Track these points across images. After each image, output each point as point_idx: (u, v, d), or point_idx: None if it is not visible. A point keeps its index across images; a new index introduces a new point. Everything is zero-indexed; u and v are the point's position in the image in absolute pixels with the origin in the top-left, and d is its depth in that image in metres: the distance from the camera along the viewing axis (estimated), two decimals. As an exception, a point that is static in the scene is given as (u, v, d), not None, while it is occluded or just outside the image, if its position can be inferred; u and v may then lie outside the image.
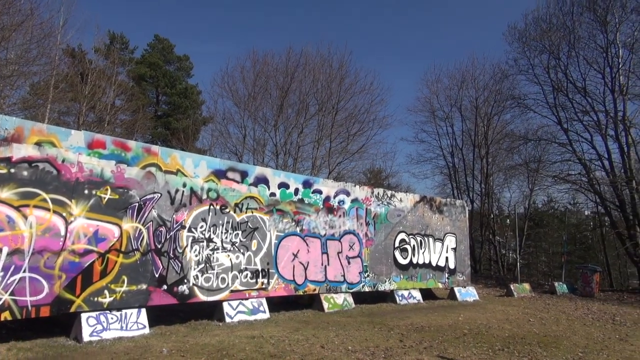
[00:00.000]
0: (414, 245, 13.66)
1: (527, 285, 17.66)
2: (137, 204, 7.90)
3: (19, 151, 6.63)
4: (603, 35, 20.29)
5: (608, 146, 20.92)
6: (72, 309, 6.95)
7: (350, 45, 71.95)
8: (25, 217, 6.58)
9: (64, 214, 6.98)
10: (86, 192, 7.27)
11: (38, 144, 6.82)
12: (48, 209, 6.82)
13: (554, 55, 21.91)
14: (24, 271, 6.49)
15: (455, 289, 14.62)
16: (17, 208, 6.52)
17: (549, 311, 12.56)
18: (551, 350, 7.49)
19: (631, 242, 19.72)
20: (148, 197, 8.07)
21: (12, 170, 6.55)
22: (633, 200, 19.65)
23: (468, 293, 14.89)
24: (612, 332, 9.69)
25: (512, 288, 16.63)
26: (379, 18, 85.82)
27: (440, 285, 14.40)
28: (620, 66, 20.05)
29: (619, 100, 20.23)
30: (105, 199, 7.50)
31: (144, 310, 7.72)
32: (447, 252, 14.73)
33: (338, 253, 11.48)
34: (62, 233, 6.93)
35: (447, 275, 14.56)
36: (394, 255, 12.99)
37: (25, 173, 6.65)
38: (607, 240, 26.64)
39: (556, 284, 18.37)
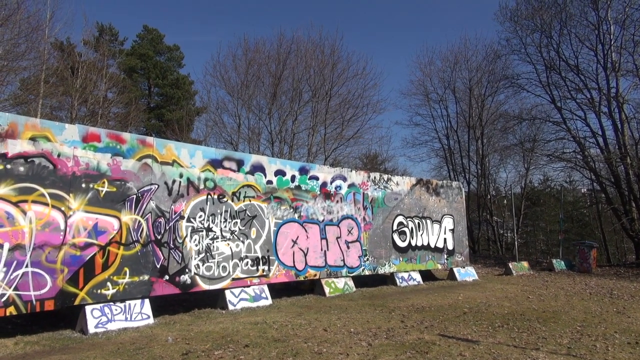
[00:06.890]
0: (412, 228, 13.75)
1: (525, 264, 17.83)
2: (134, 196, 7.91)
3: (14, 147, 6.61)
4: (594, 12, 20.24)
5: (602, 123, 21.01)
6: (76, 302, 7.00)
7: (341, 29, 71.46)
8: (24, 212, 6.59)
9: (63, 208, 6.99)
10: (83, 185, 7.28)
11: (33, 139, 6.80)
12: (46, 204, 6.83)
13: (546, 34, 21.86)
14: (27, 266, 6.52)
15: (455, 269, 14.77)
16: (15, 204, 6.53)
17: (548, 288, 12.73)
18: (550, 325, 7.61)
19: (627, 218, 19.90)
20: (145, 188, 8.08)
21: (9, 166, 6.54)
22: (628, 176, 19.78)
23: (467, 273, 15.05)
24: (609, 305, 9.84)
25: (511, 267, 16.81)
26: (369, 1, 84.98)
27: (440, 267, 14.54)
28: (612, 43, 20.02)
29: (612, 77, 20.26)
30: (103, 192, 7.51)
31: (147, 301, 7.79)
32: (445, 233, 14.84)
33: (337, 238, 11.56)
34: (62, 227, 6.95)
35: (445, 256, 14.69)
36: (392, 238, 13.09)
37: (21, 169, 6.64)
38: (604, 216, 26.83)
39: (554, 261, 18.56)
